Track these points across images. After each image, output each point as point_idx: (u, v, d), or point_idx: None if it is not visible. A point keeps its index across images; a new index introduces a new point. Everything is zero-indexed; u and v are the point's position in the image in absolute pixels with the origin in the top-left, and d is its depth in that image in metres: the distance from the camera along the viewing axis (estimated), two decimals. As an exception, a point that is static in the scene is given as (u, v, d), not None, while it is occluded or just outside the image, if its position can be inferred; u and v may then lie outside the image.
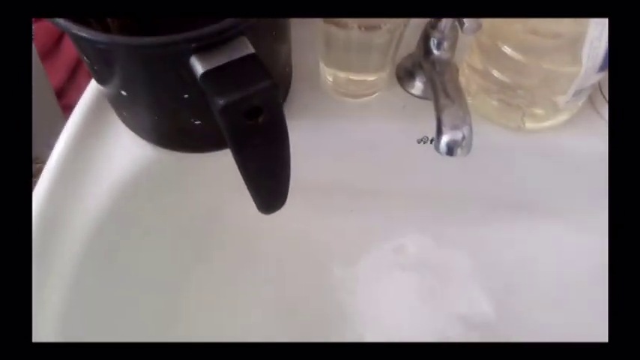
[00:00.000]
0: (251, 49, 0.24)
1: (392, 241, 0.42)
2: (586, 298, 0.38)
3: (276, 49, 0.30)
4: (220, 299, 0.38)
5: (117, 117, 0.33)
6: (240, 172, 0.26)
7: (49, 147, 0.40)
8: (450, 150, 0.28)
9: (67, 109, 0.78)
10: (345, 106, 0.36)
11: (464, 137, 0.28)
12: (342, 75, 0.34)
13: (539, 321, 0.38)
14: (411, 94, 0.36)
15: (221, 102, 0.22)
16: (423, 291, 0.41)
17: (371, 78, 0.35)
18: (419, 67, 0.35)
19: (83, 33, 0.23)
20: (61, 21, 0.23)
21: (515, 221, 0.41)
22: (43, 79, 0.71)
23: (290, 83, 0.36)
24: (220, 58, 0.23)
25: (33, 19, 0.72)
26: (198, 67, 0.23)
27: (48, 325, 0.29)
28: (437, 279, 0.42)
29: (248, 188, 0.28)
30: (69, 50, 0.74)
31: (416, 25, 0.33)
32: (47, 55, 0.70)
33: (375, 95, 0.36)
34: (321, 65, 0.35)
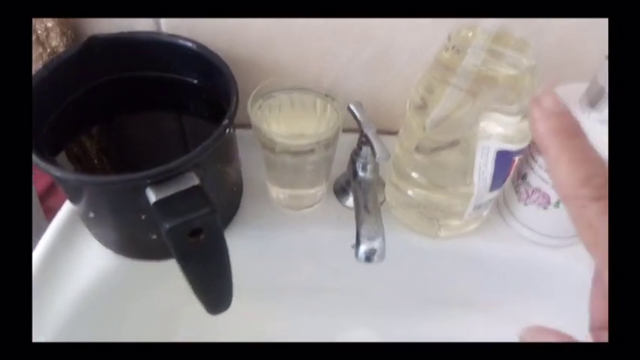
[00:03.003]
0: (196, 182, 0.30)
1: (340, 335, 0.46)
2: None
3: (222, 176, 0.36)
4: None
5: (87, 232, 0.38)
6: (186, 280, 0.31)
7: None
8: (368, 258, 0.34)
9: (49, 212, 0.82)
10: (289, 217, 0.42)
11: (378, 247, 0.34)
12: (283, 191, 0.40)
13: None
14: (346, 207, 0.42)
15: (166, 226, 0.28)
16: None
17: (308, 193, 0.41)
18: (349, 184, 0.41)
19: (57, 172, 0.29)
20: (39, 162, 0.29)
21: (444, 313, 0.46)
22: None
23: (240, 199, 0.42)
24: (169, 190, 0.29)
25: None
26: (152, 197, 0.29)
27: None
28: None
29: (194, 293, 0.32)
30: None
31: (346, 144, 0.40)
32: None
33: (314, 207, 0.42)
34: (267, 183, 0.41)
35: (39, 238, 0.40)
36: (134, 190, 0.29)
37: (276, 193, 0.41)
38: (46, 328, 0.35)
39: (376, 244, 0.34)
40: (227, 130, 0.32)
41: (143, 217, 0.32)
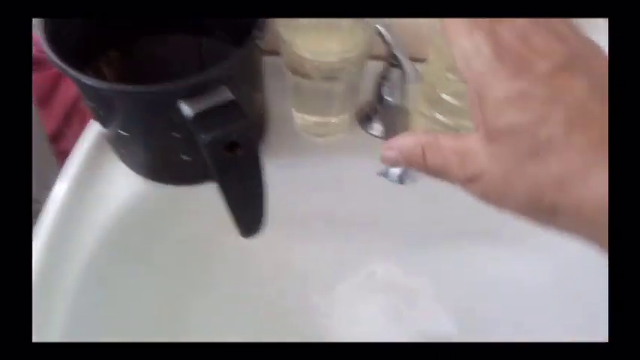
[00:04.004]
0: (230, 95, 0.29)
1: (364, 268, 0.47)
2: (543, 315, 0.43)
3: (252, 96, 0.36)
4: (209, 320, 0.42)
5: (114, 156, 0.38)
6: (223, 199, 0.31)
7: (47, 188, 0.44)
8: (400, 179, 0.34)
9: (62, 155, 0.82)
10: (314, 145, 0.41)
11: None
12: (309, 118, 0.40)
13: (499, 338, 0.42)
14: (370, 134, 0.42)
15: (205, 138, 0.27)
16: (392, 312, 0.45)
17: (333, 120, 0.40)
18: (375, 111, 0.41)
19: (90, 82, 0.28)
20: (69, 70, 0.28)
21: (474, 246, 0.46)
22: (36, 126, 0.75)
23: (265, 125, 0.41)
24: (205, 103, 0.29)
25: (33, 69, 0.77)
26: (187, 110, 0.28)
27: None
28: (404, 301, 0.46)
29: (229, 214, 0.32)
30: (63, 98, 0.79)
31: (371, 74, 0.39)
32: (43, 102, 0.74)
33: (339, 135, 0.42)
34: (292, 110, 0.41)
35: (52, 182, 0.39)
36: (168, 104, 0.29)
37: (302, 119, 0.41)
38: (75, 260, 0.35)
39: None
40: (258, 42, 0.31)
41: (175, 134, 0.32)
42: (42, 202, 0.46)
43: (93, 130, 0.40)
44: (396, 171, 0.34)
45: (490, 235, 0.45)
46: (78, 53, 0.34)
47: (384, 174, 0.42)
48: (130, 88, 0.28)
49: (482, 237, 0.45)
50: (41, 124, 0.75)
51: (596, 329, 0.41)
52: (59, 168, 0.50)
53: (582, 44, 0.19)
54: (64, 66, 0.28)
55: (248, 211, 0.33)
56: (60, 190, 0.37)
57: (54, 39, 0.30)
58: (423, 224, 0.46)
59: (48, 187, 0.40)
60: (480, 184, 0.20)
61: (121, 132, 0.32)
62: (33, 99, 0.71)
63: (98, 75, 0.35)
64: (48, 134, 0.77)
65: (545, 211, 0.18)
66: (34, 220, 0.58)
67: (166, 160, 0.35)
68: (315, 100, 0.38)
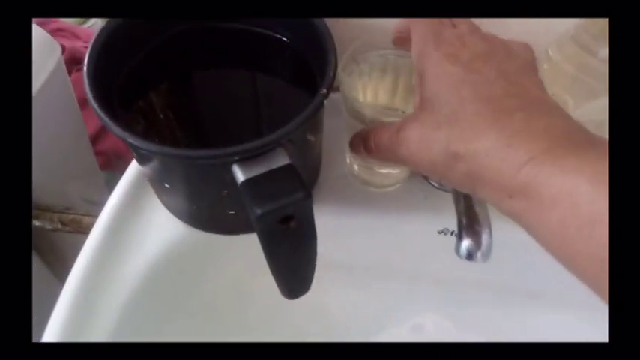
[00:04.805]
0: (287, 160, 0.26)
1: (409, 320, 0.43)
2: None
3: (308, 148, 0.32)
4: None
5: (156, 199, 0.36)
6: (269, 266, 0.28)
7: (84, 200, 0.42)
8: (470, 254, 0.30)
9: (101, 155, 0.81)
10: (369, 194, 0.38)
11: (485, 243, 0.29)
12: (365, 165, 0.36)
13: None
14: (432, 185, 0.38)
15: (258, 211, 0.24)
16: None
17: (396, 171, 0.36)
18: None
19: (135, 142, 0.25)
20: (114, 128, 0.25)
21: (524, 308, 0.42)
22: (80, 125, 0.74)
23: (319, 171, 0.38)
24: (259, 168, 0.25)
25: (74, 70, 0.76)
26: (240, 175, 0.25)
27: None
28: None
29: (275, 278, 0.29)
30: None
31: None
32: (84, 103, 0.73)
33: (396, 187, 0.38)
34: (348, 155, 0.37)
35: (92, 185, 0.37)
36: (220, 168, 0.26)
37: (358, 167, 0.37)
38: (113, 299, 0.33)
39: (483, 240, 0.29)
40: (324, 101, 0.27)
41: (224, 192, 0.29)
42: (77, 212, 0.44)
43: (133, 168, 0.37)
44: (465, 244, 0.30)
45: (550, 299, 0.41)
46: (129, 86, 0.31)
47: (446, 231, 0.38)
48: (182, 152, 0.25)
49: (532, 298, 0.41)
50: (84, 124, 0.74)
51: None
52: (99, 168, 0.48)
53: (503, 46, 0.25)
54: (108, 121, 0.25)
55: (295, 278, 0.30)
56: (101, 224, 0.35)
57: (99, 77, 0.28)
58: (475, 283, 0.42)
59: (86, 199, 0.38)
60: (406, 145, 0.25)
61: (165, 185, 0.30)
62: (75, 99, 0.70)
63: (151, 107, 0.32)
64: (90, 135, 0.76)
65: (450, 156, 0.23)
66: (65, 228, 0.56)
67: (211, 213, 0.32)
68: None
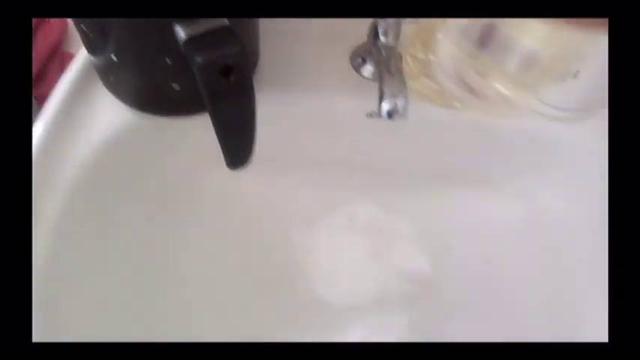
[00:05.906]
0: (226, 22, 0.29)
1: (345, 208, 0.48)
2: (512, 253, 0.45)
3: (245, 28, 0.35)
4: (189, 254, 0.42)
5: (102, 87, 0.38)
6: (213, 125, 0.31)
7: None
8: (390, 114, 0.34)
9: (41, 99, 0.80)
10: (305, 85, 0.41)
11: (401, 104, 0.34)
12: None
13: (471, 276, 0.44)
14: (363, 77, 0.42)
15: (200, 60, 0.27)
16: (371, 251, 0.46)
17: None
18: (369, 53, 0.41)
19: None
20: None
21: (452, 190, 0.47)
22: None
23: (257, 60, 0.41)
24: (200, 28, 0.28)
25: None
26: (182, 34, 0.28)
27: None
28: (383, 241, 0.47)
29: (219, 142, 0.33)
30: (43, 42, 0.77)
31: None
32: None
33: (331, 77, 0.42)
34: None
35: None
36: (162, 26, 0.29)
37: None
38: (59, 189, 0.35)
39: (399, 102, 0.34)
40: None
41: (168, 60, 0.31)
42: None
43: (79, 61, 0.39)
44: (385, 106, 0.34)
45: (468, 179, 0.46)
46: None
47: (373, 114, 0.42)
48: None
49: (462, 181, 0.46)
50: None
51: (559, 262, 0.43)
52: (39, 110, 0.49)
53: None
54: None
55: (237, 139, 0.33)
56: (48, 115, 0.37)
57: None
58: (405, 167, 0.47)
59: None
60: None
61: (112, 57, 0.32)
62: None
63: None
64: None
65: None
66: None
67: (156, 88, 0.35)
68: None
